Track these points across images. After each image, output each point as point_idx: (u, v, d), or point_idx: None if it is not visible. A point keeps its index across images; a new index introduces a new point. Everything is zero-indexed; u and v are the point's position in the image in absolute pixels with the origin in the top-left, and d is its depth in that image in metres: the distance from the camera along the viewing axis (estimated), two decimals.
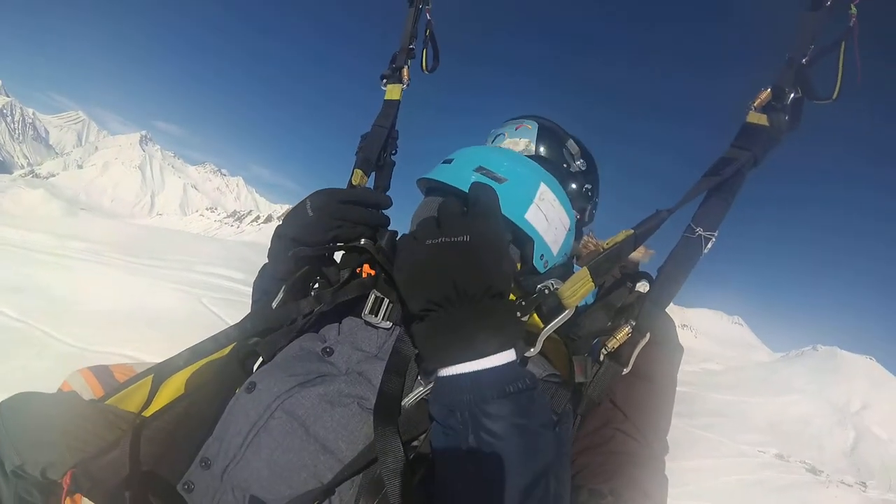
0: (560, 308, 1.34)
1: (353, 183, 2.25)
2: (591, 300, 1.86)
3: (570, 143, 2.09)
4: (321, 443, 1.25)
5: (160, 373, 1.65)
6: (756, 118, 1.69)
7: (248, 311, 1.86)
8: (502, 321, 1.04)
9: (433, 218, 1.08)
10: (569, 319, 1.39)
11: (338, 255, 1.87)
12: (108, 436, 1.49)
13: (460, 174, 1.63)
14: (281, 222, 1.81)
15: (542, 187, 1.64)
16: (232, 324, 1.64)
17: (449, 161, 1.71)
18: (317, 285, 1.80)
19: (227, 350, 1.61)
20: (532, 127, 2.15)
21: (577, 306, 1.63)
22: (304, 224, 1.70)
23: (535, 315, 1.36)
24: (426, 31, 2.56)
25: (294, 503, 1.18)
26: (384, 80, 2.48)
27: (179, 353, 1.66)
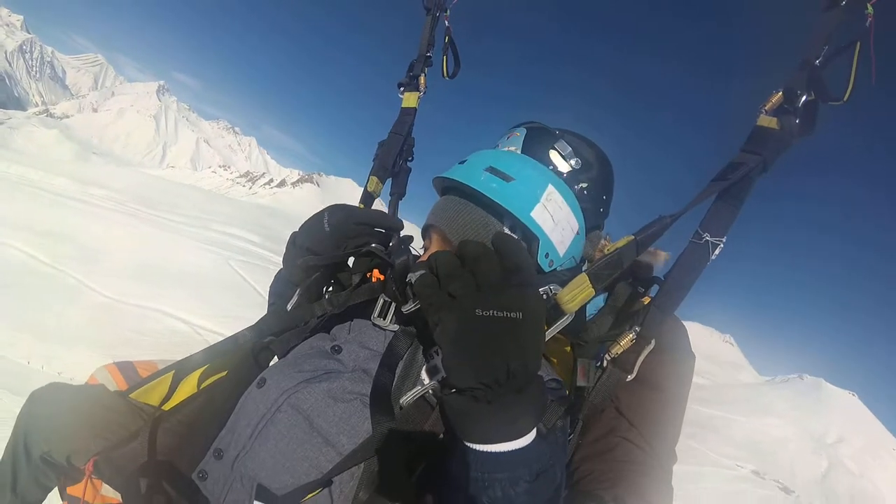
0: (559, 313, 1.36)
1: (369, 189, 2.38)
2: (601, 304, 1.87)
3: (561, 144, 2.01)
4: (323, 436, 1.32)
5: (180, 369, 1.79)
6: (767, 122, 1.66)
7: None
8: (539, 404, 1.00)
9: (470, 276, 0.96)
10: (577, 323, 1.44)
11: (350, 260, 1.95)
12: (131, 426, 1.65)
13: (472, 173, 1.65)
14: (298, 230, 1.89)
15: (550, 188, 1.63)
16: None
17: (463, 162, 1.74)
18: (330, 288, 1.91)
19: (243, 349, 1.70)
20: (520, 134, 2.09)
21: (586, 311, 1.81)
22: (319, 238, 1.80)
23: None
24: (445, 38, 2.55)
25: (294, 493, 1.26)
26: (401, 89, 2.52)
27: (198, 352, 1.81)
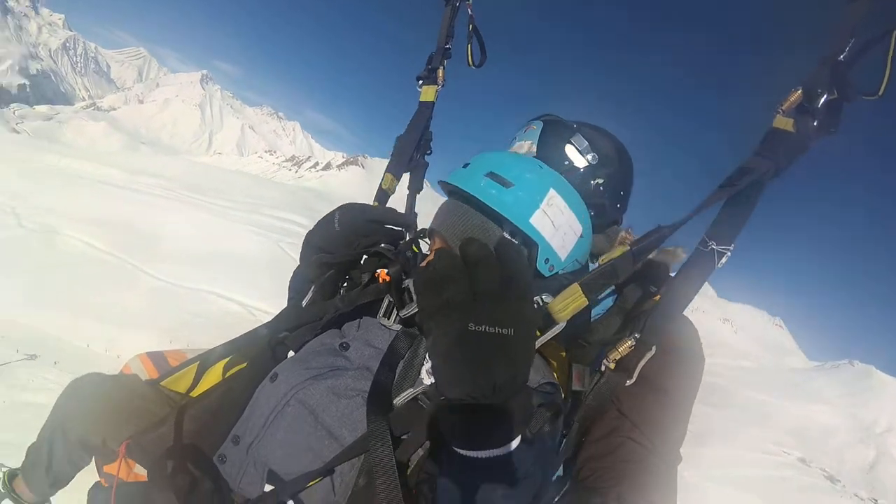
0: (552, 321, 1.39)
1: (384, 187, 2.36)
2: (609, 304, 1.83)
3: (577, 139, 1.99)
4: (327, 429, 1.40)
5: (205, 361, 1.94)
6: (783, 123, 1.54)
7: None
8: (524, 414, 1.02)
9: (468, 280, 0.95)
10: (581, 324, 1.49)
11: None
12: (160, 412, 1.80)
13: (472, 179, 1.62)
14: (312, 229, 1.95)
15: (552, 193, 1.58)
16: None
17: (466, 165, 1.71)
18: (346, 285, 1.95)
19: (261, 343, 1.80)
20: (537, 127, 2.08)
21: (590, 312, 1.82)
22: (330, 236, 1.87)
23: None
24: (469, 27, 2.48)
25: (298, 480, 1.35)
26: (420, 82, 2.47)
27: (220, 345, 1.97)
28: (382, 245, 1.85)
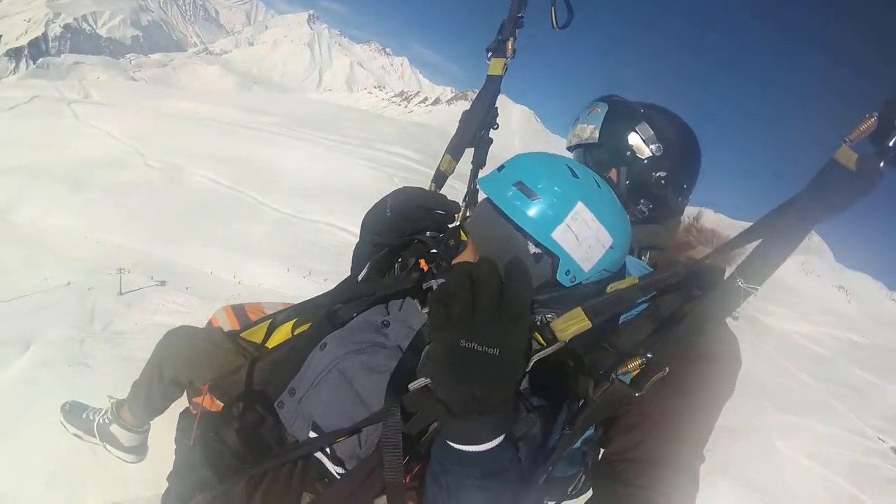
0: (555, 338, 1.42)
1: (441, 169, 2.42)
2: (643, 307, 1.73)
3: (643, 127, 1.94)
4: (360, 397, 1.60)
5: (275, 320, 2.24)
6: (845, 157, 1.25)
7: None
8: (503, 423, 1.10)
9: (470, 300, 1.03)
10: (610, 327, 1.58)
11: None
12: (236, 361, 2.11)
13: (501, 188, 1.60)
14: (368, 211, 2.09)
15: (579, 206, 1.55)
16: None
17: (501, 168, 1.68)
18: (399, 261, 2.07)
19: (321, 310, 1.99)
20: (601, 111, 2.03)
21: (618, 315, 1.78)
22: (381, 222, 2.02)
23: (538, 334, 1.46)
24: None
25: (332, 434, 1.57)
26: (489, 54, 2.40)
27: (288, 308, 2.27)
28: (428, 233, 2.00)
